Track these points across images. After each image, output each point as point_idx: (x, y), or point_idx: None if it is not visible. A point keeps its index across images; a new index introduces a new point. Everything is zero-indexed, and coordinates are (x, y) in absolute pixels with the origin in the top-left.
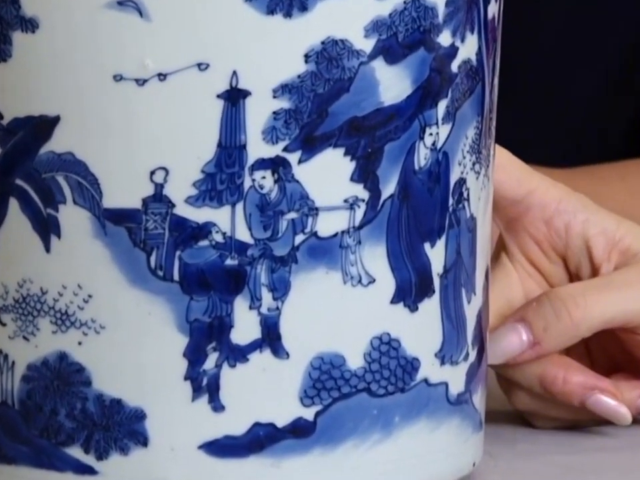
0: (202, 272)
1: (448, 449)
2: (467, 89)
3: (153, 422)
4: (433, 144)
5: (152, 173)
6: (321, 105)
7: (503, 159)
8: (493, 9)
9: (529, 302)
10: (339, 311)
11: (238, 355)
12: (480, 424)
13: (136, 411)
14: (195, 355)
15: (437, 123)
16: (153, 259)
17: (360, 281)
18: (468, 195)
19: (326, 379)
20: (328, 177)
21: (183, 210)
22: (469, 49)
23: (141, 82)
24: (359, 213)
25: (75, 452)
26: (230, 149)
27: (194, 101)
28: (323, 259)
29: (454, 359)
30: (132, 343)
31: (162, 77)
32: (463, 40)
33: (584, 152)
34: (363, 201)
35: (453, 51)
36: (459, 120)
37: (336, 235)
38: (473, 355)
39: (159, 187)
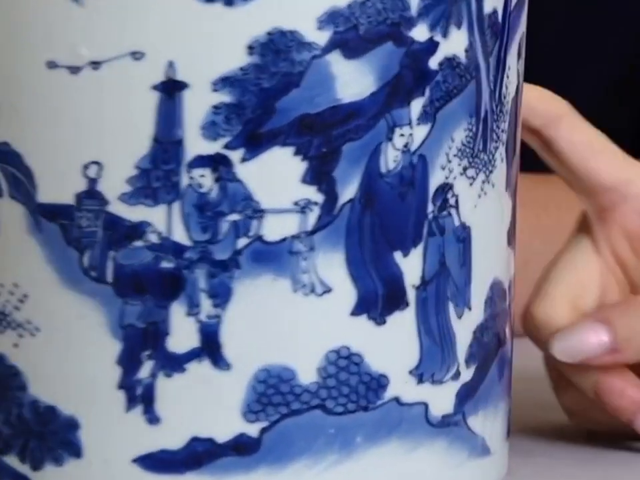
0: (136, 274)
1: (434, 473)
2: (452, 88)
3: (87, 432)
4: (405, 145)
5: (85, 167)
6: (267, 100)
7: (601, 145)
8: (494, 2)
9: (616, 304)
10: (287, 321)
11: (174, 364)
12: (483, 449)
13: (70, 420)
14: (129, 363)
15: (409, 124)
16: (86, 258)
17: (313, 290)
18: (456, 201)
19: (272, 394)
20: (275, 177)
21: (117, 207)
22: (454, 44)
23: (75, 70)
24: (312, 217)
25: (12, 461)
26: (166, 144)
27: (128, 91)
28: (270, 265)
29: (436, 378)
30: (65, 347)
31: (96, 65)
32: (445, 35)
33: None
34: (316, 204)
35: (431, 46)
36: (441, 121)
37: (284, 239)
38: (467, 375)
39: (93, 182)
